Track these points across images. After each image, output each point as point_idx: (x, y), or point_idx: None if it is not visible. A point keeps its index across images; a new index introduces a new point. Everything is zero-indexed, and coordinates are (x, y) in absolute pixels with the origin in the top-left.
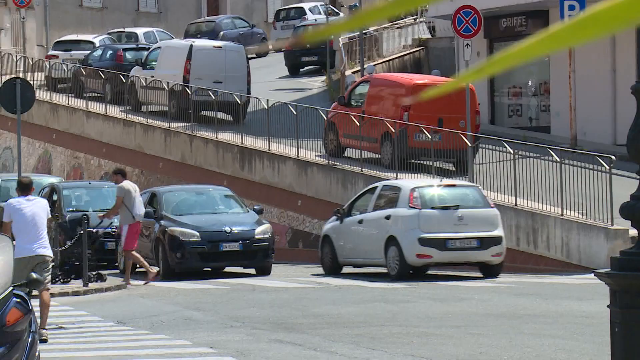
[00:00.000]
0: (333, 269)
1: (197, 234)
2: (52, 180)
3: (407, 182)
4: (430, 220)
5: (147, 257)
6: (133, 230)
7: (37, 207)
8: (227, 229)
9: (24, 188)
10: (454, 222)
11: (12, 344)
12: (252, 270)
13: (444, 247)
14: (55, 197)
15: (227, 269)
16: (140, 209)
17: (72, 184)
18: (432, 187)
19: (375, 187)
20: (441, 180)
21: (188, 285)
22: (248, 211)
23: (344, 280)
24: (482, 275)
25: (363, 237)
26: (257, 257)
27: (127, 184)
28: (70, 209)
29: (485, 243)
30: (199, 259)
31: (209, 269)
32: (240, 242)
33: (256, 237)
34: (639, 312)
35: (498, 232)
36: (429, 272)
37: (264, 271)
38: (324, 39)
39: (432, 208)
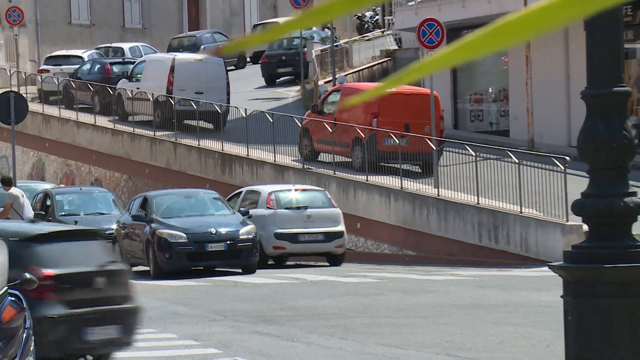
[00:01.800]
0: None
1: (184, 235)
2: (45, 186)
3: (266, 187)
4: (284, 218)
5: (139, 258)
6: None
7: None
8: (213, 230)
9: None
10: (304, 219)
11: (8, 339)
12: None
13: (295, 240)
14: (48, 202)
15: (217, 269)
16: (29, 212)
17: (64, 189)
18: (287, 191)
19: (241, 192)
20: (294, 186)
21: (175, 282)
22: (234, 213)
23: (319, 276)
24: (328, 264)
25: None
26: (241, 256)
27: (14, 190)
28: (63, 213)
29: (330, 237)
30: (187, 258)
31: (201, 267)
32: (225, 242)
33: (240, 237)
34: (589, 301)
35: (340, 227)
36: (288, 262)
37: (249, 269)
38: (241, 50)
39: (286, 208)
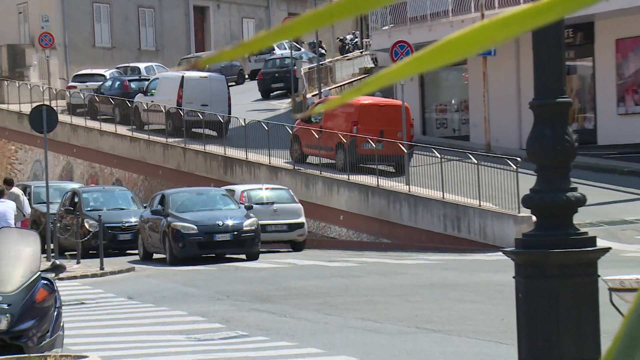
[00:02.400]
0: None
1: (195, 227)
2: (73, 186)
3: (240, 186)
4: (255, 213)
5: (158, 247)
6: (23, 225)
7: (6, 206)
8: (220, 222)
9: (6, 181)
10: (271, 213)
11: (42, 316)
12: (244, 256)
13: (264, 230)
14: (76, 200)
15: (226, 256)
16: (27, 208)
17: (89, 188)
18: (257, 190)
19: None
20: (263, 185)
21: (186, 268)
22: (239, 207)
23: (308, 261)
24: (292, 250)
25: None
26: (245, 245)
27: (15, 189)
28: (88, 209)
29: (292, 227)
30: (197, 247)
31: (211, 255)
32: (231, 233)
33: (244, 228)
34: (537, 281)
35: (301, 219)
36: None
37: (252, 256)
38: (215, 63)
39: (256, 204)
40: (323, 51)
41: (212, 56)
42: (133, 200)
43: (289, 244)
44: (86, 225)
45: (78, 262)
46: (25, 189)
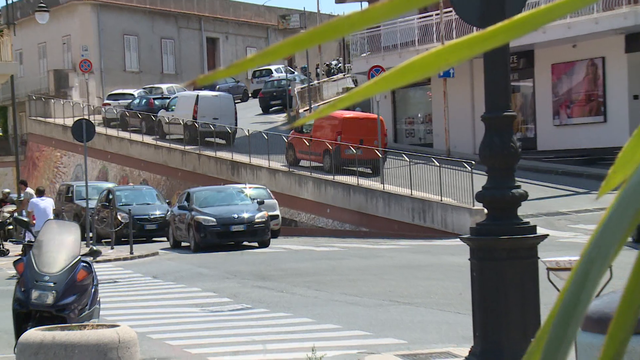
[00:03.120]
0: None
1: (214, 219)
2: (108, 185)
3: (229, 186)
4: None
5: (184, 237)
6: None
7: (47, 203)
8: (235, 215)
9: (40, 193)
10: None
11: (81, 293)
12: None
13: None
14: (110, 197)
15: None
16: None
17: (121, 187)
18: (242, 188)
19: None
20: (247, 185)
21: (204, 253)
22: (252, 202)
23: (301, 246)
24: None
25: None
26: (257, 234)
27: (29, 189)
28: (121, 204)
29: (270, 218)
30: (216, 237)
31: (230, 243)
32: (245, 224)
33: (256, 220)
34: (487, 263)
35: (277, 212)
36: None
37: (263, 244)
38: (212, 81)
39: None
40: (317, 71)
41: (208, 75)
42: (157, 197)
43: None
44: (119, 217)
45: (112, 248)
46: (69, 188)
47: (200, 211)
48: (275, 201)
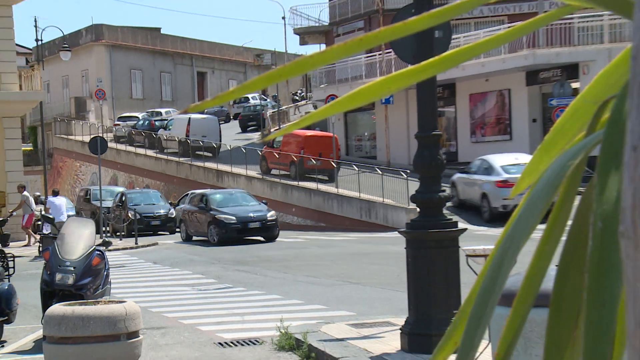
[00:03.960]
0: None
1: (234, 218)
2: (120, 189)
3: (204, 190)
4: None
5: (202, 232)
6: (30, 217)
7: (61, 201)
8: (252, 214)
9: (55, 193)
10: None
11: (96, 275)
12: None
13: None
14: (124, 198)
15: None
16: (33, 205)
17: (132, 190)
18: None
19: (188, 194)
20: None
21: (196, 244)
22: (260, 203)
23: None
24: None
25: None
26: (269, 230)
27: (26, 192)
28: (132, 204)
29: None
30: (236, 232)
31: (246, 238)
32: (259, 222)
33: (268, 218)
34: (419, 251)
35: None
36: None
37: (272, 238)
38: (202, 109)
39: None
40: (297, 97)
41: (198, 105)
42: (160, 198)
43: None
44: (130, 215)
45: (120, 239)
46: (87, 191)
47: (219, 211)
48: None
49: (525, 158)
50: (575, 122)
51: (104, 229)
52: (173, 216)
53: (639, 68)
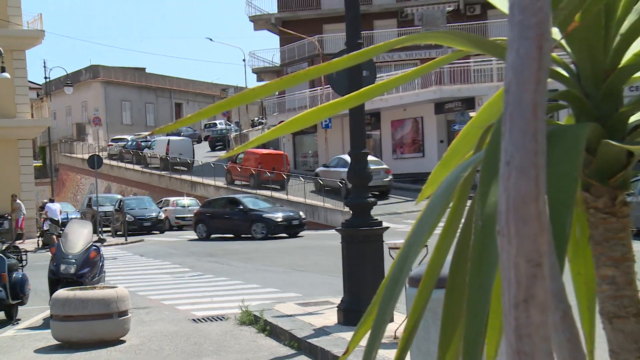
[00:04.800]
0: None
1: (281, 217)
2: (119, 196)
3: (171, 198)
4: (178, 211)
5: (241, 232)
6: (23, 220)
7: (56, 206)
8: (295, 214)
9: (51, 201)
10: (188, 211)
11: (93, 266)
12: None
13: (184, 220)
14: (121, 203)
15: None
16: (24, 211)
17: (128, 197)
18: (182, 199)
19: (162, 200)
20: (185, 197)
21: (174, 239)
22: (282, 206)
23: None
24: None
25: None
26: (301, 227)
27: (19, 201)
28: (128, 208)
29: None
30: (284, 229)
31: (290, 233)
32: (299, 219)
33: (302, 217)
34: (352, 245)
35: None
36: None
37: (296, 234)
38: (164, 132)
39: (181, 206)
40: (255, 122)
41: (162, 128)
42: (152, 203)
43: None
44: (126, 217)
45: (113, 236)
46: (90, 199)
47: (264, 211)
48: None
49: (374, 159)
50: (466, 143)
51: (103, 229)
52: (162, 218)
53: (509, 99)
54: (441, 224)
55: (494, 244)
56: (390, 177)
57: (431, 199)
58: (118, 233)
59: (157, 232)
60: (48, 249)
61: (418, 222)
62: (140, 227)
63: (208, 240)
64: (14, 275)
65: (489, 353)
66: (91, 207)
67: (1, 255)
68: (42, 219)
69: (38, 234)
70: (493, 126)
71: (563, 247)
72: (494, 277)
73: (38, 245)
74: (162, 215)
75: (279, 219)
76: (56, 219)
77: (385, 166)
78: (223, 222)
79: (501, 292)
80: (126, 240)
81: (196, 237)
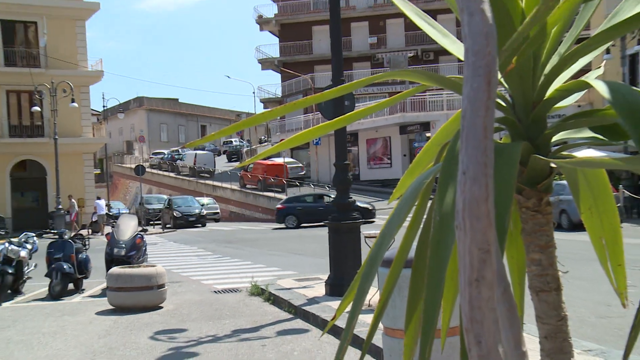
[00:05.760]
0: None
1: (370, 205)
2: (164, 196)
3: (202, 198)
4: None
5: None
6: (75, 215)
7: (102, 203)
8: (368, 205)
9: (98, 198)
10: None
11: (138, 249)
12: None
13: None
14: (169, 202)
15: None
16: (76, 207)
17: (175, 197)
18: (183, 198)
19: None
20: (204, 197)
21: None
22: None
23: (247, 227)
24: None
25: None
26: (374, 215)
27: (73, 200)
28: (176, 206)
29: (215, 213)
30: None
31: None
32: (371, 209)
33: (374, 207)
34: (337, 235)
35: (217, 210)
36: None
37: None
38: (198, 145)
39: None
40: (262, 140)
41: (191, 143)
42: (195, 201)
43: (214, 220)
44: (174, 213)
45: (163, 229)
46: (142, 199)
47: (307, 204)
48: (217, 205)
49: (291, 160)
50: (427, 157)
51: (154, 222)
52: (204, 214)
53: (465, 123)
54: (408, 219)
55: (449, 234)
56: (304, 172)
57: (400, 200)
58: (167, 226)
59: (200, 225)
60: (97, 235)
61: (390, 218)
62: (187, 221)
63: (297, 229)
64: (79, 256)
65: (444, 319)
66: (142, 205)
67: (69, 241)
68: (92, 213)
69: (89, 224)
70: (448, 144)
71: (503, 237)
72: (448, 260)
73: (88, 232)
74: (204, 212)
75: (369, 207)
76: (102, 213)
77: (300, 165)
78: (312, 213)
79: (458, 272)
80: (163, 230)
81: (283, 226)
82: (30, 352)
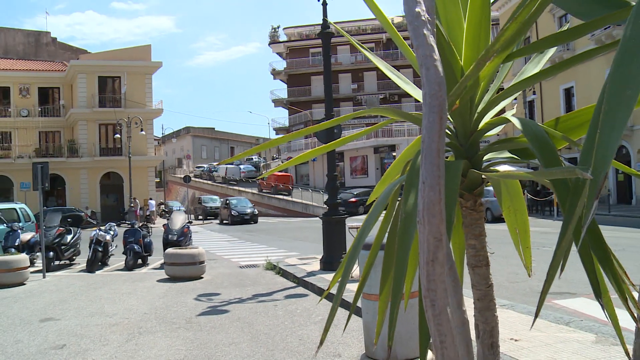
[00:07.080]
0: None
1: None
2: (216, 197)
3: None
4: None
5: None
6: (136, 211)
7: (152, 202)
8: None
9: (150, 199)
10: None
11: (186, 236)
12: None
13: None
14: (227, 202)
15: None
16: (138, 206)
17: (232, 197)
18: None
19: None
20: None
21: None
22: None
23: (264, 221)
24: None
25: None
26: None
27: (137, 200)
28: (233, 205)
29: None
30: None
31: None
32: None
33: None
34: (329, 226)
35: (251, 210)
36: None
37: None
38: (229, 162)
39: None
40: (274, 157)
41: (223, 161)
42: (248, 202)
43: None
44: (232, 212)
45: (220, 224)
46: (199, 199)
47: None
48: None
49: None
50: (395, 170)
51: (203, 216)
52: (256, 213)
53: (424, 146)
54: (381, 217)
55: (412, 227)
56: (242, 175)
57: (376, 202)
58: (224, 222)
59: (253, 222)
60: (153, 225)
61: (368, 215)
62: (242, 219)
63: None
64: (145, 240)
65: (407, 287)
66: (200, 204)
67: (137, 229)
68: (146, 209)
69: (144, 217)
70: (411, 161)
71: (450, 229)
72: (410, 246)
73: (144, 223)
74: (256, 211)
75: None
76: (153, 209)
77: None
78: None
79: (418, 255)
80: (203, 222)
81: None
82: (114, 305)
